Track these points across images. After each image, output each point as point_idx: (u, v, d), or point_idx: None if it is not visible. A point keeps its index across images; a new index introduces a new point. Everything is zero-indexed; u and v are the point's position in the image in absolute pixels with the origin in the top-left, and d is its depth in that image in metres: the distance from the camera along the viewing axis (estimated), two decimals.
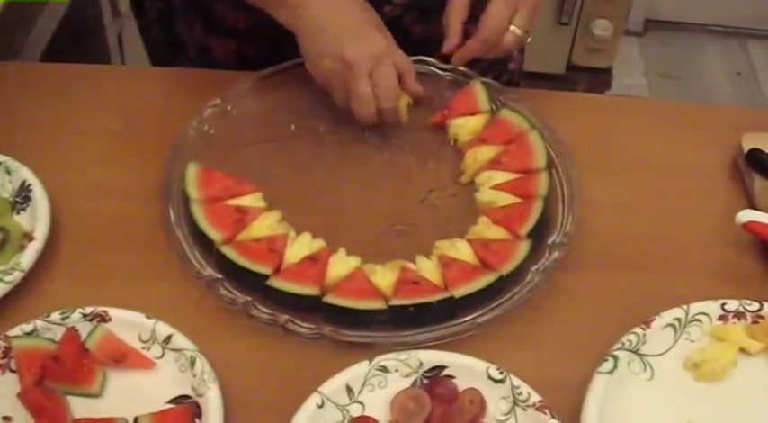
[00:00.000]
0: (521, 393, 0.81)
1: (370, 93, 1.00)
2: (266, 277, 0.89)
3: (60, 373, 0.82)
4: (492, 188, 1.00)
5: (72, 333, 0.84)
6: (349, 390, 0.82)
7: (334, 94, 1.04)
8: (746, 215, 0.95)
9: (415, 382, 0.83)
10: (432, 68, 1.12)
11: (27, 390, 0.81)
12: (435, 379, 0.83)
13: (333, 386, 0.81)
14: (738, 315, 0.88)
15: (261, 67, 1.11)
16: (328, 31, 0.99)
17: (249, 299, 0.88)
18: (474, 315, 0.87)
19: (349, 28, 0.99)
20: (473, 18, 1.04)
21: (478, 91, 1.09)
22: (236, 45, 1.19)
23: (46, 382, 0.82)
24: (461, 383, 0.82)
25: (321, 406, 0.80)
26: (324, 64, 1.01)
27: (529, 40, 1.05)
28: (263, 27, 1.11)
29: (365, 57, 0.98)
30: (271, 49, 1.11)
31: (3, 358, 0.83)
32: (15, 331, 0.84)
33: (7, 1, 1.36)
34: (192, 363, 0.82)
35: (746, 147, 1.04)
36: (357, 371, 0.82)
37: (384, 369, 0.83)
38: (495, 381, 0.82)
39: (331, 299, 0.87)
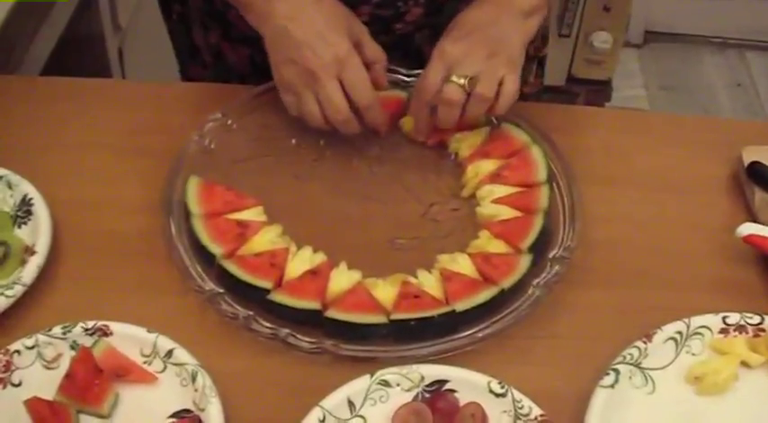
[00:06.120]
0: (522, 407, 0.81)
1: (340, 95, 0.98)
2: (267, 291, 0.89)
3: (71, 391, 0.82)
4: (493, 202, 1.00)
5: (85, 352, 0.84)
6: (350, 404, 0.81)
7: (284, 99, 1.02)
8: (747, 228, 0.96)
9: (417, 396, 0.83)
10: None
11: (33, 401, 0.81)
12: (437, 393, 0.83)
13: (334, 400, 0.81)
14: (739, 328, 0.88)
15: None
16: (292, 37, 0.98)
17: (250, 313, 0.88)
18: (475, 329, 0.87)
19: (312, 34, 0.98)
20: None
21: None
22: (250, 52, 1.19)
23: (58, 397, 0.82)
24: (463, 397, 0.82)
25: (322, 420, 0.79)
26: (287, 70, 1.00)
27: (487, 88, 0.98)
28: None
29: (328, 62, 0.97)
30: None
31: (4, 372, 0.83)
32: (17, 345, 0.84)
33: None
34: (194, 377, 0.82)
35: (747, 160, 1.05)
36: (358, 385, 0.82)
37: (385, 383, 0.83)
38: (497, 395, 0.82)
39: (332, 313, 0.87)
